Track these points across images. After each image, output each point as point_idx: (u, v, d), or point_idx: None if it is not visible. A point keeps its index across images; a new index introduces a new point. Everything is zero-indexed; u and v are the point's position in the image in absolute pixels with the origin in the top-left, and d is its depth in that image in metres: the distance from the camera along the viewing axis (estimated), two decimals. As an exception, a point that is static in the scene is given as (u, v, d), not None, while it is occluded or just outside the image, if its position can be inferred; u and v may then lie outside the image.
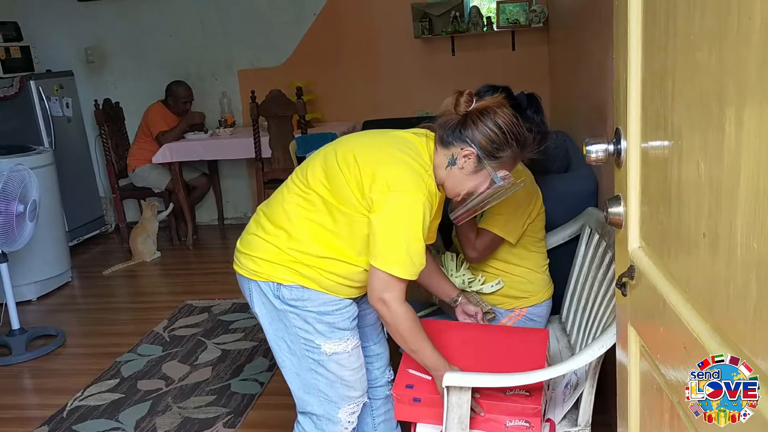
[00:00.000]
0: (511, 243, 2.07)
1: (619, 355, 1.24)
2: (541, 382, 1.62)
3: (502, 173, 1.60)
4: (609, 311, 1.75)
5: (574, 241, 2.28)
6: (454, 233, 2.23)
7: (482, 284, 2.13)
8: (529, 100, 2.04)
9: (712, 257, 0.75)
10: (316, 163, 1.64)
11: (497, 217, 2.04)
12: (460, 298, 1.95)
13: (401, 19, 4.91)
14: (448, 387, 1.55)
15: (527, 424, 1.62)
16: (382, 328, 1.93)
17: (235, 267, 1.70)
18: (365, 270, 1.61)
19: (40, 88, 4.74)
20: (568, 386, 1.79)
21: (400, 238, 1.51)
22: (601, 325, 1.80)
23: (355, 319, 1.69)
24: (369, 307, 1.78)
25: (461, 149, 1.57)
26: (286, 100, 4.32)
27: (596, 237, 2.09)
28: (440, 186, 1.63)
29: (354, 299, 1.70)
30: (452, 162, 1.59)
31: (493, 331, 1.96)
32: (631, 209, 1.08)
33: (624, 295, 1.13)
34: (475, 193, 1.63)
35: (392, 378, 1.92)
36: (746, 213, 0.66)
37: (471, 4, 4.85)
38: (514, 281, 2.13)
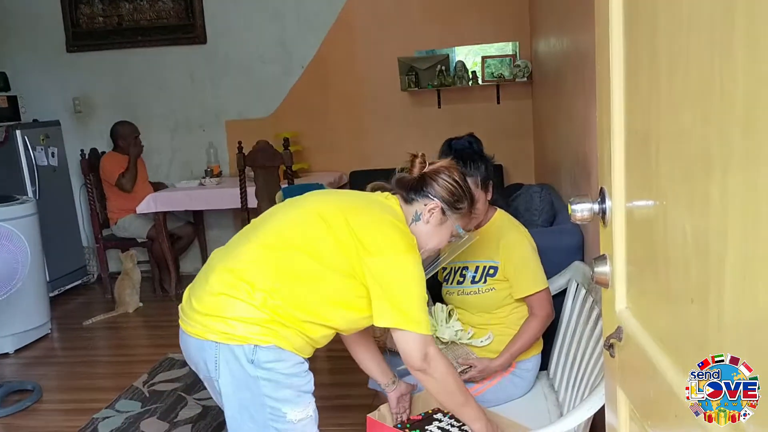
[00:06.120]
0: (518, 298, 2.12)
1: (609, 417, 1.21)
2: None
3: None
4: (598, 368, 1.72)
5: (561, 295, 2.26)
6: (444, 291, 2.22)
7: (471, 338, 2.10)
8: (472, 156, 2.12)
9: (702, 324, 0.73)
10: (288, 222, 1.63)
11: (532, 276, 2.07)
12: (395, 384, 1.92)
13: (388, 73, 4.98)
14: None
15: None
16: None
17: (194, 332, 1.55)
18: (332, 330, 1.62)
19: (26, 138, 4.73)
20: (557, 447, 1.74)
21: (412, 298, 1.54)
22: (590, 382, 1.77)
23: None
24: None
25: (425, 204, 1.67)
26: (273, 150, 4.33)
27: (583, 292, 2.07)
28: None
29: None
30: (417, 218, 1.67)
31: None
32: (617, 269, 1.07)
33: (612, 356, 1.11)
34: (435, 248, 1.73)
35: None
36: (735, 281, 0.65)
37: (456, 59, 4.93)
38: (504, 334, 2.11)
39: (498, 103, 4.96)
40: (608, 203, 1.07)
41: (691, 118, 0.74)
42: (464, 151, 2.12)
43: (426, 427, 1.84)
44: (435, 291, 2.37)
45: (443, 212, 1.68)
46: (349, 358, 2.00)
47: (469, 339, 2.12)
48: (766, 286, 0.60)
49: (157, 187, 5.09)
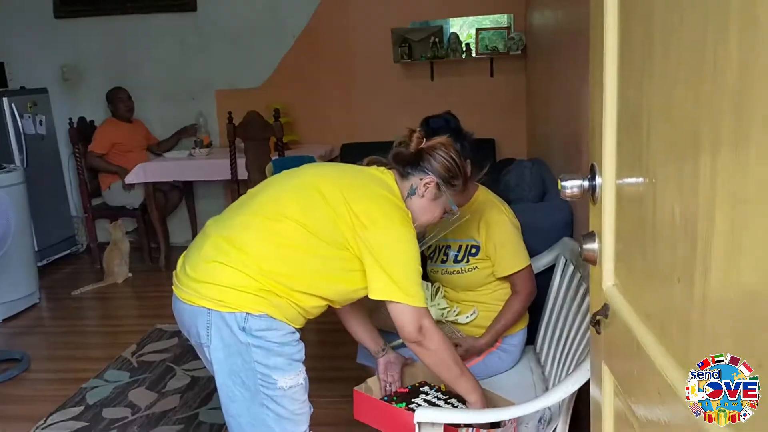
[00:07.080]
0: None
1: (593, 391, 1.22)
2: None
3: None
4: (584, 343, 1.74)
5: (549, 271, 2.26)
6: (429, 269, 2.22)
7: (457, 315, 2.11)
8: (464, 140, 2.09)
9: (687, 304, 0.73)
10: (284, 194, 1.63)
11: (513, 255, 2.08)
12: (384, 351, 1.95)
13: (381, 44, 4.93)
14: (420, 423, 1.52)
15: None
16: None
17: (187, 298, 1.57)
18: (324, 301, 1.63)
19: (13, 105, 4.66)
20: (542, 421, 1.76)
21: (407, 271, 1.57)
22: (576, 356, 1.78)
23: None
24: None
25: (420, 179, 1.68)
26: (264, 122, 4.30)
27: (571, 268, 2.08)
28: None
29: None
30: (412, 192, 1.68)
31: None
32: (605, 246, 1.07)
33: (598, 333, 1.11)
34: (427, 222, 1.75)
35: None
36: (721, 263, 0.64)
37: (450, 31, 4.88)
38: (489, 311, 2.11)
39: (491, 76, 4.92)
40: (598, 180, 1.07)
41: (683, 97, 0.74)
42: (441, 129, 2.10)
43: (413, 400, 1.86)
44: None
45: (438, 188, 1.69)
46: (339, 331, 2.00)
47: (455, 316, 2.12)
48: (749, 267, 0.60)
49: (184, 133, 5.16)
